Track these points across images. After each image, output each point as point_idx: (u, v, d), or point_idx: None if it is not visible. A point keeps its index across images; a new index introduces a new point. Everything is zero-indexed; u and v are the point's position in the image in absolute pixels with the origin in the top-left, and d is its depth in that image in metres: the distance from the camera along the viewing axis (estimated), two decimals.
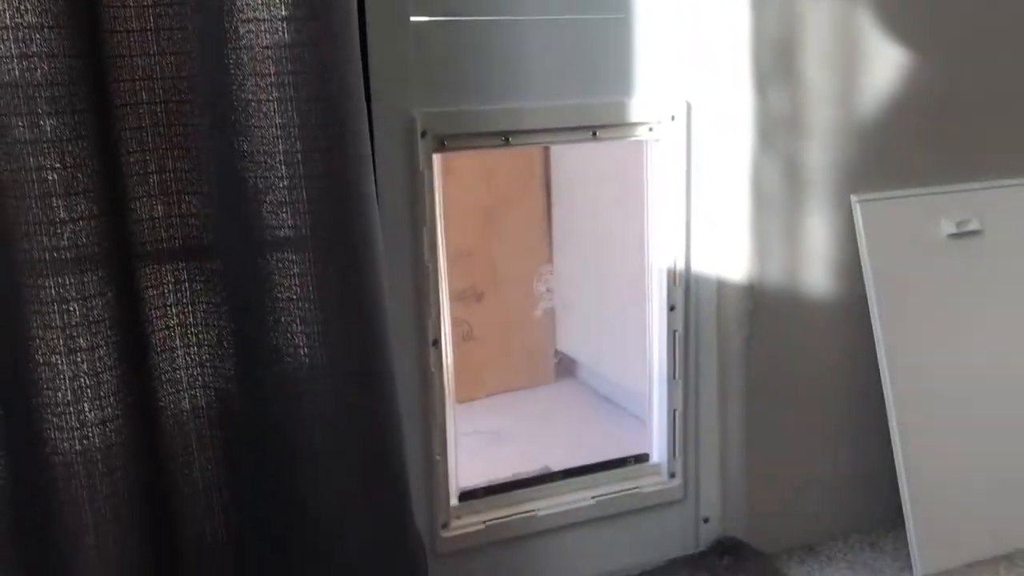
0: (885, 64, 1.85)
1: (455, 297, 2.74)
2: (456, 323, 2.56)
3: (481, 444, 2.62)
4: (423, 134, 1.57)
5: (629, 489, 1.85)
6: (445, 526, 1.71)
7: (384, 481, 1.37)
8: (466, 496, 1.75)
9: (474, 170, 2.75)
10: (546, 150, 2.85)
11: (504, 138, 1.64)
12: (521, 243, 2.92)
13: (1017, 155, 2.01)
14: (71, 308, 1.19)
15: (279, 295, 1.30)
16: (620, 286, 2.59)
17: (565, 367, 3.06)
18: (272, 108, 1.23)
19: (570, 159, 2.86)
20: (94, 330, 1.21)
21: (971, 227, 1.93)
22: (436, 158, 1.61)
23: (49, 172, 1.15)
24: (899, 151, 1.90)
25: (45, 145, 1.15)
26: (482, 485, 1.79)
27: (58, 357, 1.19)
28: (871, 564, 1.88)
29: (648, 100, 1.72)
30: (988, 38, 1.94)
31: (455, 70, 1.58)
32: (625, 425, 2.61)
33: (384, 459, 1.37)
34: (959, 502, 1.87)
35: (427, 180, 1.59)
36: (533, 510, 1.77)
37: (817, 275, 1.88)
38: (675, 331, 1.83)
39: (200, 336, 1.40)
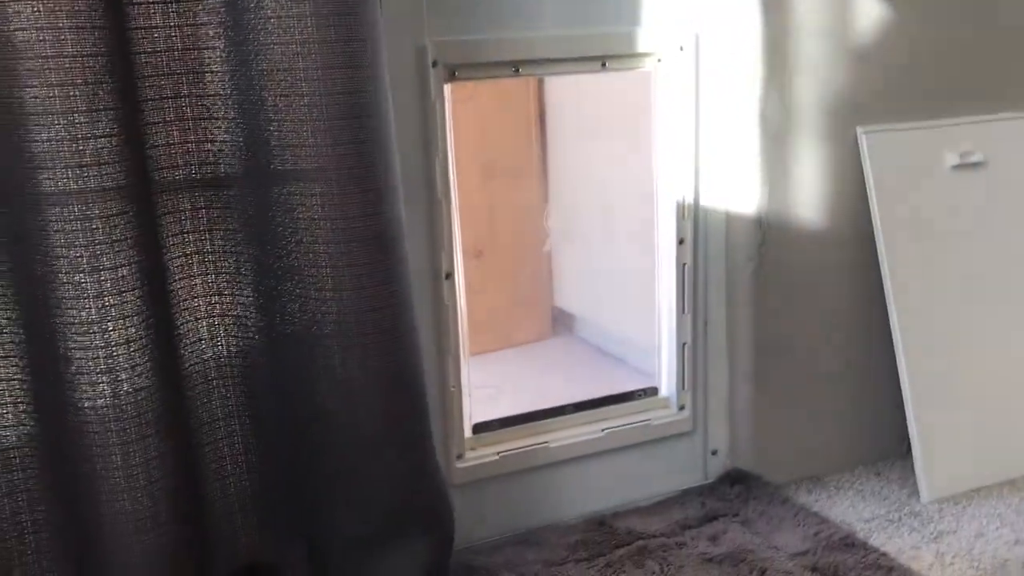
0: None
1: None
2: None
3: (484, 397, 2.64)
4: (434, 63, 1.57)
5: (639, 422, 1.87)
6: (460, 457, 1.72)
7: (405, 401, 1.39)
8: (479, 429, 1.77)
9: (470, 122, 2.75)
10: (540, 95, 2.84)
11: (514, 68, 1.65)
12: (519, 197, 2.93)
13: (1020, 87, 2.03)
14: (95, 226, 1.19)
15: (300, 215, 1.30)
16: (620, 228, 2.60)
17: (562, 323, 3.08)
18: (292, 24, 1.23)
19: (566, 101, 2.85)
20: (117, 248, 1.21)
21: (975, 158, 1.95)
22: (447, 88, 1.61)
23: (71, 88, 1.15)
24: (904, 83, 1.91)
25: (66, 60, 1.14)
26: (495, 418, 1.80)
27: (82, 275, 1.19)
28: (878, 492, 1.91)
29: (656, 30, 1.72)
30: None
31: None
32: (626, 375, 2.63)
33: (405, 379, 1.38)
34: (964, 430, 1.90)
35: (439, 110, 1.59)
36: (545, 442, 1.79)
37: (824, 207, 1.90)
38: (684, 264, 1.84)
39: (218, 264, 1.41)
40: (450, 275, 1.66)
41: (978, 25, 1.96)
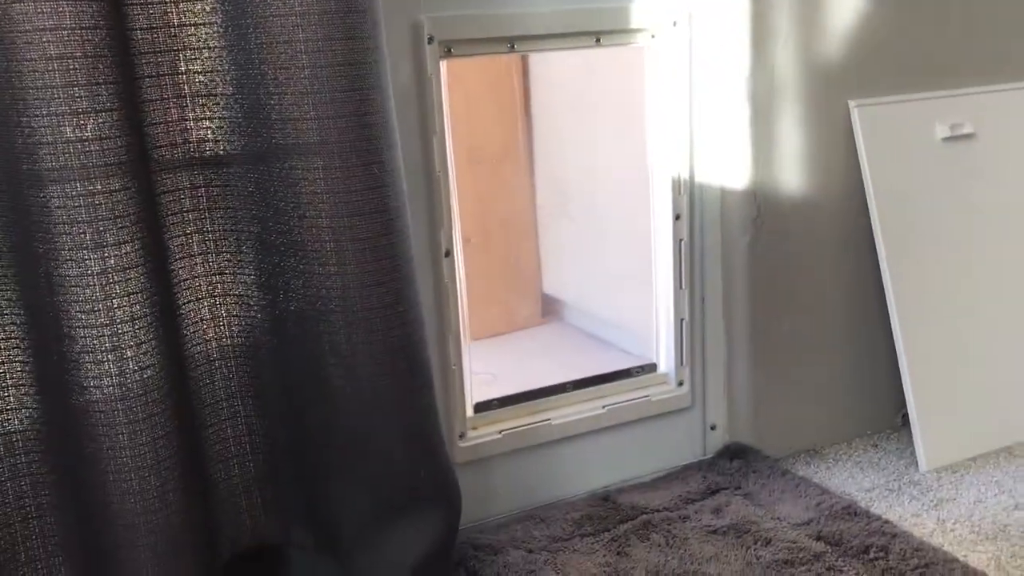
0: None
1: None
2: None
3: (478, 382, 2.62)
4: (430, 40, 1.56)
5: (639, 398, 1.87)
6: (462, 436, 1.72)
7: (410, 375, 1.38)
8: (481, 407, 1.77)
9: (455, 105, 2.73)
10: (525, 75, 2.83)
11: (510, 44, 1.64)
12: (506, 182, 2.92)
13: (1005, 61, 2.04)
14: (98, 201, 1.17)
15: (302, 190, 1.29)
16: (611, 208, 2.60)
17: (552, 309, 3.07)
18: None
19: (552, 81, 2.84)
20: (120, 224, 1.19)
21: (964, 130, 1.96)
22: (443, 64, 1.60)
23: (71, 61, 1.13)
24: (893, 57, 1.92)
25: (65, 32, 1.13)
26: (496, 397, 1.80)
27: (86, 252, 1.18)
28: (877, 462, 1.92)
29: (650, 6, 1.72)
30: None
31: None
32: (619, 358, 2.62)
33: (409, 353, 1.37)
34: (961, 399, 1.92)
35: (436, 87, 1.58)
36: (547, 419, 1.79)
37: (818, 180, 1.91)
38: (681, 240, 1.85)
39: (219, 243, 1.39)
40: (449, 253, 1.65)
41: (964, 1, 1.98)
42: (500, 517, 1.74)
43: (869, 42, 1.89)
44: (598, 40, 1.71)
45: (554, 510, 1.75)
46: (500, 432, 1.75)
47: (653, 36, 1.76)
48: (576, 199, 2.84)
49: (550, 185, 2.92)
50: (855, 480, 1.86)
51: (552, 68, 2.76)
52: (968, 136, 1.97)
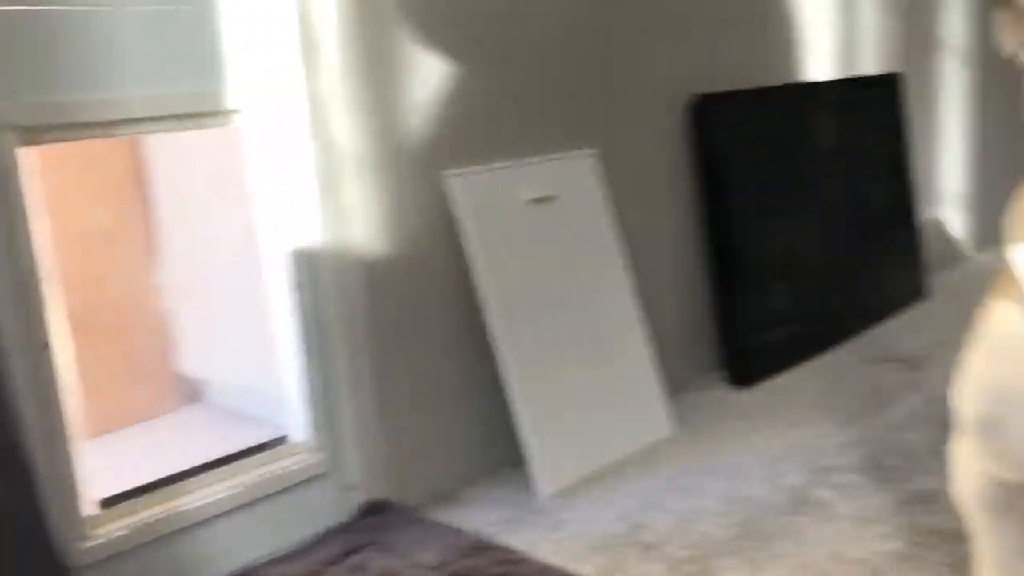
0: (458, 61, 2.08)
1: None
2: None
3: (101, 480, 2.46)
4: (6, 127, 1.49)
5: (273, 472, 1.88)
6: (85, 536, 1.62)
7: (10, 480, 1.29)
8: (106, 504, 1.68)
9: (58, 189, 2.58)
10: (137, 155, 2.75)
11: (103, 128, 1.62)
12: (120, 263, 2.79)
13: (580, 129, 2.34)
14: None
15: None
16: (237, 283, 2.59)
17: (193, 390, 2.96)
18: None
19: (169, 160, 2.78)
20: None
21: (547, 192, 2.22)
22: (25, 152, 1.53)
23: None
24: (479, 131, 2.14)
25: None
26: (124, 490, 1.72)
27: None
28: (503, 498, 2.07)
29: (241, 89, 1.78)
30: (536, 42, 2.26)
31: (41, 60, 1.52)
32: (264, 433, 2.59)
33: (6, 457, 1.29)
34: (567, 428, 2.14)
35: (16, 176, 1.51)
36: (181, 505, 1.74)
37: (425, 245, 2.05)
38: (301, 310, 1.90)
39: None
40: (49, 345, 1.57)
41: (542, 75, 2.25)
42: None
43: (456, 116, 2.09)
44: (195, 122, 1.73)
45: None
46: (130, 526, 1.67)
47: (248, 117, 1.81)
48: (204, 276, 2.78)
49: (176, 263, 2.84)
50: (484, 516, 1.99)
51: (170, 146, 2.70)
52: (550, 198, 2.23)
